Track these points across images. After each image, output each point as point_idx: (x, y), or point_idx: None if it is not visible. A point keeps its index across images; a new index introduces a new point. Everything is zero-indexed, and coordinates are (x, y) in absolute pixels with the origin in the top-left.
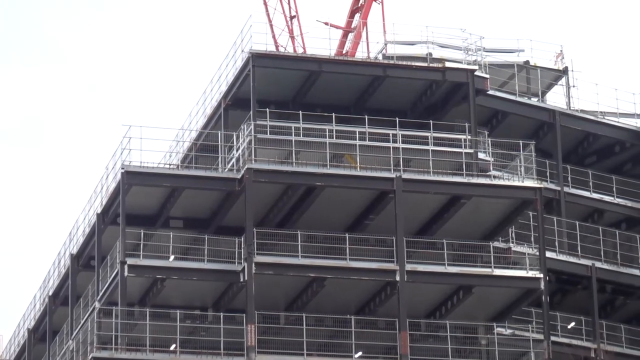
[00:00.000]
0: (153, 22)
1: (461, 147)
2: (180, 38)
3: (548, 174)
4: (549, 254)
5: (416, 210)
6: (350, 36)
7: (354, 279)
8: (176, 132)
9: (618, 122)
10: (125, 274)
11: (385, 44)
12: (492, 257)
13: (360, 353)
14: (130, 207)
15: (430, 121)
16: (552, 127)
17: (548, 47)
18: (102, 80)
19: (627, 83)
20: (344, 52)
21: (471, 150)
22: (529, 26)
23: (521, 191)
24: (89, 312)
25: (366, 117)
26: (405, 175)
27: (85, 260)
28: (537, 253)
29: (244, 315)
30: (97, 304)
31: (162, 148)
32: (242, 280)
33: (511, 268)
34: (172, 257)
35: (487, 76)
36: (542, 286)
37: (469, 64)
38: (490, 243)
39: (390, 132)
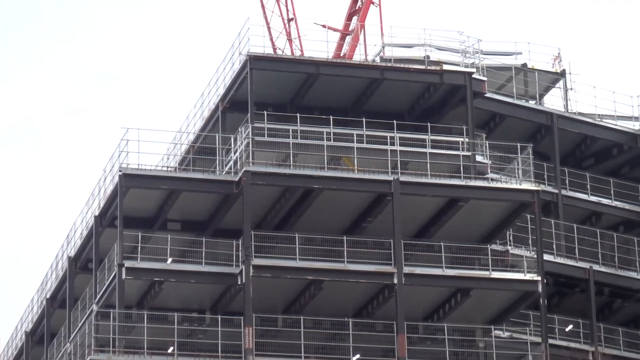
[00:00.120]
0: (151, 25)
1: (459, 150)
2: (178, 41)
3: (546, 176)
4: (546, 257)
5: (414, 213)
6: (348, 39)
7: (351, 282)
8: (174, 135)
9: (616, 124)
10: (123, 276)
11: (383, 47)
12: (489, 259)
13: (358, 356)
14: (127, 209)
15: (428, 124)
16: (549, 130)
17: (546, 50)
18: (100, 83)
19: (624, 86)
20: (341, 54)
21: (469, 153)
22: (527, 29)
23: (519, 194)
24: (87, 314)
25: (364, 119)
26: (403, 178)
27: (83, 262)
28: (535, 256)
29: (242, 317)
30: (94, 307)
31: (159, 151)
32: (239, 282)
33: (509, 271)
34: (169, 260)
35: (485, 79)
36: (540, 289)
37: (466, 66)
38: (488, 246)
39: (388, 134)
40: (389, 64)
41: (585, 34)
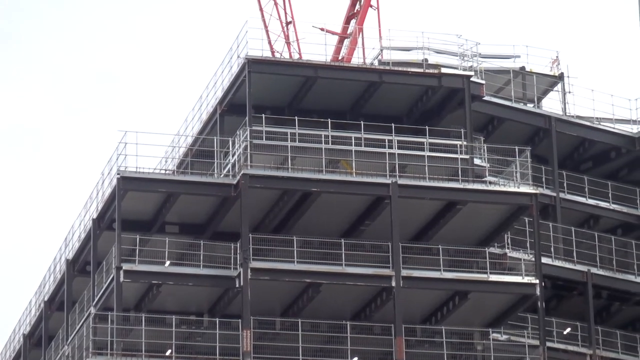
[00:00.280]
0: (149, 28)
1: (457, 153)
2: (177, 44)
3: (544, 179)
4: (544, 260)
5: (412, 216)
6: (346, 42)
7: (349, 285)
8: (172, 138)
9: (614, 128)
10: (121, 279)
11: (381, 50)
12: (487, 262)
13: (356, 359)
14: (125, 212)
15: (426, 127)
16: (547, 133)
17: (544, 53)
18: (98, 85)
19: (622, 89)
20: (339, 58)
21: (467, 156)
22: (525, 32)
23: (517, 197)
24: (85, 317)
25: (362, 122)
26: (401, 181)
27: (81, 265)
28: (533, 259)
29: (240, 320)
30: (92, 310)
31: (158, 153)
32: (237, 285)
33: (507, 274)
34: (167, 263)
35: (483, 82)
36: (538, 292)
37: (464, 69)
38: (486, 249)
39: (386, 137)
40: (387, 67)
41: (583, 37)
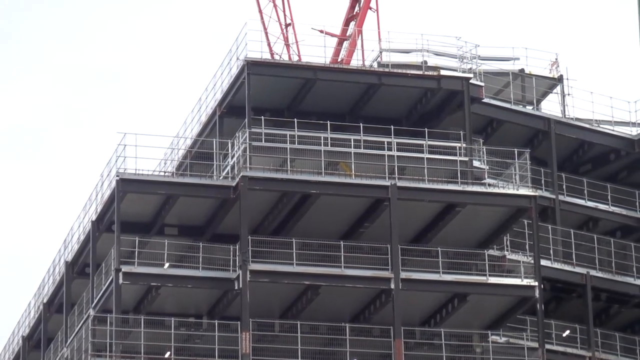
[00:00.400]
0: (148, 30)
1: (456, 155)
2: (176, 46)
3: (543, 182)
4: (543, 262)
5: (411, 218)
6: (346, 44)
7: (348, 287)
8: (171, 140)
9: (613, 130)
10: (120, 281)
11: (381, 52)
12: (487, 265)
13: None
14: (125, 214)
15: (425, 129)
16: (547, 135)
17: (543, 56)
18: (97, 87)
19: (622, 91)
20: (339, 60)
21: (466, 158)
22: (524, 34)
23: (516, 199)
24: (84, 319)
25: (361, 125)
26: (400, 183)
27: (80, 267)
28: (532, 261)
29: (239, 322)
30: (91, 312)
31: (157, 155)
32: (236, 287)
33: (506, 276)
34: (166, 265)
35: (482, 84)
36: (537, 294)
37: (464, 72)
38: (485, 251)
39: (385, 140)
40: (387, 70)
41: (582, 39)
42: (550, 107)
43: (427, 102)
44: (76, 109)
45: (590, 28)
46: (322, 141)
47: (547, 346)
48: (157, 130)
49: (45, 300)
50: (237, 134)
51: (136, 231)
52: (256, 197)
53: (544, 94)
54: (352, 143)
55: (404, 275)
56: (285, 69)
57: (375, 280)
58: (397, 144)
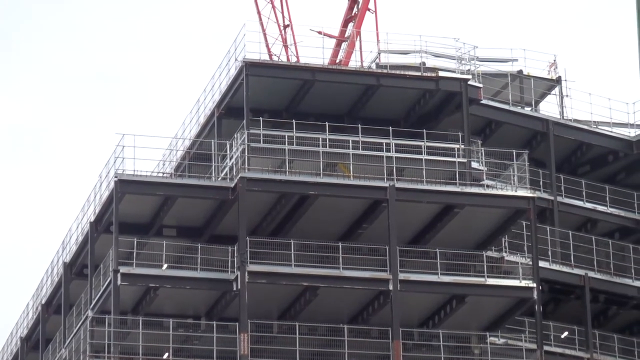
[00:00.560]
0: (146, 31)
1: (454, 157)
2: (174, 46)
3: (541, 183)
4: (542, 264)
5: (409, 220)
6: (344, 45)
7: (347, 288)
8: (170, 141)
9: (611, 131)
10: (118, 282)
11: (379, 53)
12: (485, 266)
13: None
14: (123, 215)
15: (424, 130)
16: (545, 137)
17: (541, 57)
18: (96, 88)
19: (620, 93)
20: (337, 61)
21: (464, 160)
22: (523, 36)
23: (514, 201)
24: (82, 320)
25: (359, 126)
26: (399, 185)
27: (78, 268)
28: (530, 262)
29: (237, 324)
30: (90, 313)
31: (155, 156)
32: (235, 289)
33: (504, 277)
34: (165, 266)
35: (481, 85)
36: (535, 296)
37: (462, 73)
38: (484, 252)
39: (384, 141)
40: (385, 71)
41: (580, 41)
42: (548, 108)
43: (425, 104)
44: (75, 110)
45: (588, 29)
46: (320, 142)
47: (546, 347)
48: (155, 131)
49: (43, 301)
50: (235, 135)
51: (134, 232)
52: (254, 198)
53: (543, 96)
54: (351, 144)
55: (402, 276)
56: (284, 70)
57: (373, 282)
58: (396, 145)
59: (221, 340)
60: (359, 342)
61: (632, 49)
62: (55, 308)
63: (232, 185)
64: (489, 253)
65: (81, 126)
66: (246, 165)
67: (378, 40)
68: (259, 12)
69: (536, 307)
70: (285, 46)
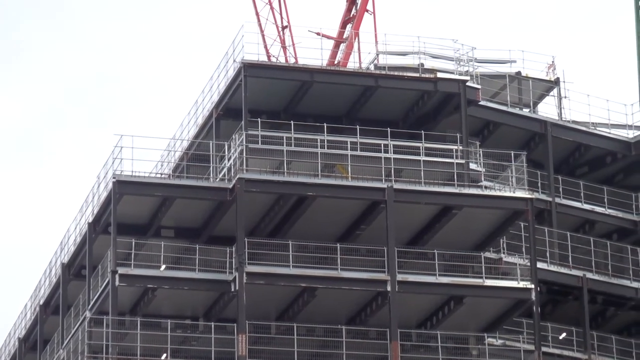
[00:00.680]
0: (145, 32)
1: (453, 158)
2: (172, 48)
3: (539, 184)
4: (540, 265)
5: (407, 221)
6: (342, 46)
7: (345, 289)
8: (168, 142)
9: (609, 133)
10: (116, 283)
11: (377, 55)
12: (483, 267)
13: None
14: (121, 216)
15: (422, 131)
16: (543, 138)
17: (540, 58)
18: (94, 89)
19: (618, 94)
20: (335, 62)
21: (463, 161)
22: (521, 37)
23: (512, 202)
24: (80, 321)
25: (358, 127)
26: (397, 186)
27: (76, 269)
28: (529, 264)
29: (235, 325)
30: (88, 313)
31: (153, 157)
32: (233, 290)
33: (502, 278)
34: (163, 267)
35: (479, 87)
36: (533, 297)
37: (460, 74)
38: (482, 253)
39: (382, 142)
40: (383, 72)
41: (579, 42)
42: (546, 109)
43: (423, 105)
44: (73, 111)
45: (586, 31)
46: (318, 143)
47: (544, 349)
48: (153, 132)
49: (41, 302)
50: (233, 136)
51: (133, 233)
52: (253, 199)
53: (541, 97)
54: (349, 145)
55: (400, 277)
56: (282, 72)
57: (371, 283)
58: (394, 146)
59: (219, 341)
60: (357, 343)
61: (630, 50)
62: (53, 309)
63: (231, 186)
64: (487, 254)
65: (80, 127)
66: (244, 166)
67: (376, 42)
68: (257, 13)
69: (534, 308)
70: (284, 47)
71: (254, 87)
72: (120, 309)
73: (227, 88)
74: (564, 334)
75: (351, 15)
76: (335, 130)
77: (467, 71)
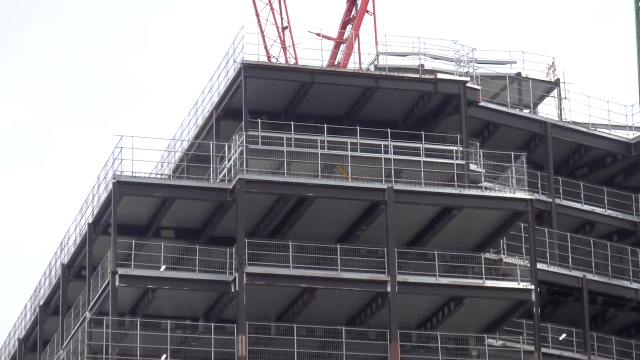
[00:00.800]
0: (145, 33)
1: (453, 159)
2: (172, 48)
3: (539, 185)
4: (540, 266)
5: (407, 221)
6: (342, 47)
7: (345, 290)
8: (168, 143)
9: (610, 134)
10: (116, 283)
11: (377, 55)
12: (483, 268)
13: None
14: (121, 217)
15: (422, 132)
16: (543, 139)
17: (540, 59)
18: (94, 90)
19: (618, 95)
20: (335, 63)
21: (463, 162)
22: (521, 38)
23: (512, 202)
24: (80, 322)
25: (358, 128)
26: (397, 186)
27: (76, 270)
28: (529, 264)
29: (235, 325)
30: (88, 314)
31: (153, 158)
32: (233, 290)
33: (502, 279)
34: (163, 267)
35: (479, 88)
36: (533, 297)
37: (460, 75)
38: (482, 254)
39: (382, 143)
40: (383, 73)
41: (579, 43)
42: (547, 110)
43: (423, 106)
44: (73, 111)
45: (587, 32)
46: (318, 144)
47: (543, 349)
48: (154, 132)
49: (41, 303)
50: (233, 137)
51: (133, 234)
52: (253, 199)
53: (541, 98)
54: (349, 146)
55: (400, 278)
56: (282, 72)
57: (371, 283)
58: (394, 147)
59: (219, 341)
60: (357, 344)
61: (630, 51)
62: (53, 309)
63: (231, 186)
64: (487, 255)
65: (79, 127)
66: (244, 167)
67: (376, 42)
68: (257, 14)
69: (534, 309)
70: (284, 48)
71: (254, 87)
72: (120, 309)
73: (227, 89)
74: (564, 335)
75: (351, 16)
76: (336, 131)
77: (467, 72)
